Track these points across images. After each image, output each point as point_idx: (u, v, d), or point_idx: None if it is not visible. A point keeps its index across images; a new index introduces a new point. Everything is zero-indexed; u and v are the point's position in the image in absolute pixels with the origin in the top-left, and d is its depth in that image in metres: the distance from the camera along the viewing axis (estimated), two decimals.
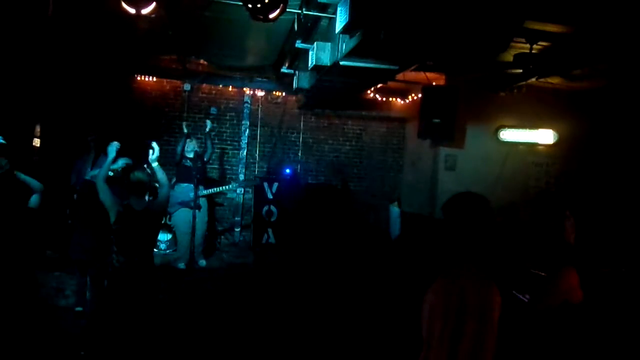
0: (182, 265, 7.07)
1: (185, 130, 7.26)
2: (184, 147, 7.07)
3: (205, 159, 7.38)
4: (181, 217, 7.08)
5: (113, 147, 4.13)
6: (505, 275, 3.74)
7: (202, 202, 7.21)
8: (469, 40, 4.07)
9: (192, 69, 8.49)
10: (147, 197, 3.94)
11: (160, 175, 4.06)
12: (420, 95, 7.72)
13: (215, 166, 8.91)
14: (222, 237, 8.96)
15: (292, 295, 5.95)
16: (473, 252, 2.17)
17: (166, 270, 6.89)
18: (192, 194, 6.84)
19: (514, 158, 7.88)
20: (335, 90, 6.61)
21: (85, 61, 7.61)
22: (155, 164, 4.08)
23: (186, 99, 8.89)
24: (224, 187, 7.79)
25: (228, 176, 8.97)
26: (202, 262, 7.36)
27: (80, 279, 5.15)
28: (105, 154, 4.18)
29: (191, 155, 7.06)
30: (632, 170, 6.97)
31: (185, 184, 7.02)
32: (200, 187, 7.12)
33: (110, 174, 4.22)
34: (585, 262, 2.97)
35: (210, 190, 7.38)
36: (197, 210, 6.88)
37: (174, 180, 7.07)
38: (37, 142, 7.11)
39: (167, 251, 7.70)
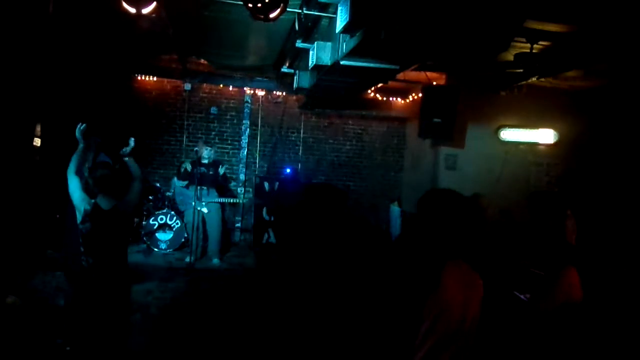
0: (187, 259, 7.20)
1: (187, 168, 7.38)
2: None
3: (220, 173, 7.55)
4: (191, 215, 7.29)
5: (78, 131, 3.82)
6: (505, 274, 3.74)
7: (215, 205, 7.47)
8: (469, 40, 4.07)
9: (193, 69, 8.50)
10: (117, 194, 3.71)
11: (134, 169, 3.85)
12: (420, 95, 7.72)
13: None
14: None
15: (292, 295, 5.95)
16: (460, 248, 2.16)
17: (166, 270, 6.90)
18: (202, 198, 7.32)
19: (514, 158, 7.87)
20: (335, 90, 6.61)
21: (85, 61, 7.61)
22: (127, 158, 3.88)
23: (187, 98, 8.90)
24: (232, 200, 8.18)
25: (228, 176, 8.99)
26: (216, 261, 7.48)
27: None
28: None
29: (205, 161, 7.32)
30: (633, 169, 6.96)
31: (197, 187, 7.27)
32: (212, 193, 7.45)
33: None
34: (585, 262, 2.97)
35: (217, 199, 7.53)
36: (208, 212, 7.38)
37: (186, 182, 7.37)
38: (37, 141, 7.11)
39: (167, 251, 7.71)
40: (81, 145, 3.84)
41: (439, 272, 2.10)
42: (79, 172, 3.72)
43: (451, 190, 2.24)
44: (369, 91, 8.45)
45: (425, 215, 2.21)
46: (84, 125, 3.90)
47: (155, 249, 7.68)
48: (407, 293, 2.14)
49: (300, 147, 9.36)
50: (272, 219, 8.37)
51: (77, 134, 3.87)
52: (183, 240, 7.77)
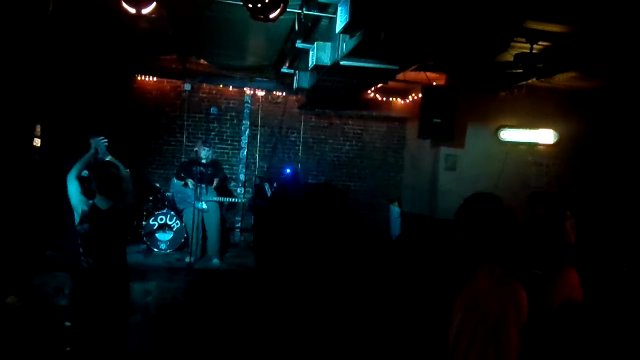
0: (187, 259, 7.20)
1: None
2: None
3: (219, 177, 7.57)
4: (190, 215, 7.31)
5: (98, 142, 3.91)
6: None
7: (214, 205, 7.48)
8: (469, 40, 4.07)
9: (192, 69, 8.48)
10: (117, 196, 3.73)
11: (122, 168, 3.82)
12: (420, 95, 7.72)
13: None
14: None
15: (292, 295, 5.95)
16: (496, 253, 2.17)
17: (166, 270, 6.89)
18: (201, 197, 7.29)
19: (514, 158, 7.87)
20: (335, 90, 6.61)
21: (85, 61, 7.60)
22: (109, 157, 3.87)
23: (186, 98, 8.89)
24: (231, 199, 8.14)
25: (229, 176, 9.00)
26: (216, 261, 7.49)
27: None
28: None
29: (204, 161, 7.31)
30: (633, 170, 6.96)
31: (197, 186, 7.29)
32: (211, 192, 7.44)
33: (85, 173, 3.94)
34: (585, 262, 2.97)
35: (216, 198, 7.53)
36: (206, 211, 7.35)
37: (183, 181, 7.42)
38: (37, 141, 7.12)
39: (167, 251, 7.71)
40: (92, 152, 3.89)
41: (473, 268, 2.15)
42: (79, 177, 3.74)
43: (493, 194, 2.25)
44: (369, 91, 8.44)
45: (467, 219, 2.23)
46: (105, 140, 3.95)
47: (155, 249, 7.68)
48: (442, 289, 2.17)
49: (300, 147, 9.36)
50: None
51: (95, 143, 3.91)
52: (183, 240, 7.76)
